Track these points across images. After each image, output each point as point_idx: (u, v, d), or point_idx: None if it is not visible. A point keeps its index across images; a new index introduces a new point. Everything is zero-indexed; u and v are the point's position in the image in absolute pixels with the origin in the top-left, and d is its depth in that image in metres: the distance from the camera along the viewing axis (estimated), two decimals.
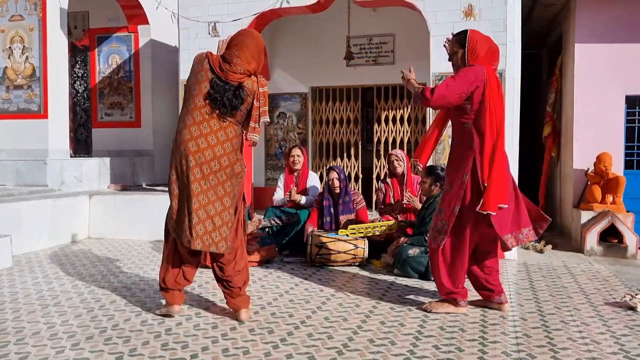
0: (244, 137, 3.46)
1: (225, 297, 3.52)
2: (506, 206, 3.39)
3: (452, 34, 3.75)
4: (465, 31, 3.54)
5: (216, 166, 3.29)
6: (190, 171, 3.27)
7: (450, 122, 3.71)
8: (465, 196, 3.43)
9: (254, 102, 3.38)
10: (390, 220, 5.18)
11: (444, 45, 3.69)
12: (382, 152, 8.04)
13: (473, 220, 3.45)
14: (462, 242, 3.49)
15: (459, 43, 3.51)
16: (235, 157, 3.38)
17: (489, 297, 3.70)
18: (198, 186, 3.28)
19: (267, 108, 3.44)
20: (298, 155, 5.73)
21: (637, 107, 6.53)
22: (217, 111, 3.29)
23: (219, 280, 3.50)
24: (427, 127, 7.29)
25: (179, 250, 3.45)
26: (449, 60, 3.63)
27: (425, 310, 3.61)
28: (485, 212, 3.32)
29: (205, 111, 3.29)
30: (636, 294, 3.79)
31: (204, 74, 3.31)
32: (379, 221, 5.18)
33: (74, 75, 8.68)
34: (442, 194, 3.66)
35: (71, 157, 7.36)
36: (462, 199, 3.43)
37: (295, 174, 5.78)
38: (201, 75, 3.32)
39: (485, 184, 3.36)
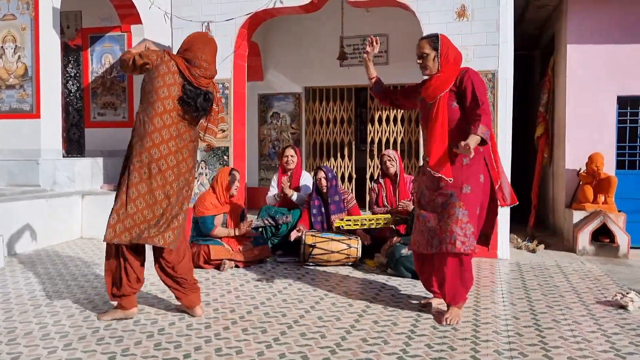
0: (203, 140, 3.60)
1: (178, 297, 3.54)
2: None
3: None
4: (436, 34, 3.53)
5: (176, 168, 3.36)
6: (157, 174, 3.32)
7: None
8: (485, 197, 3.47)
9: (214, 107, 3.51)
10: (386, 214, 5.19)
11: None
12: (375, 152, 8.05)
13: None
14: None
15: (431, 46, 3.48)
16: (193, 161, 3.49)
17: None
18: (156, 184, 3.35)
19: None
20: (292, 156, 5.73)
21: (628, 108, 6.57)
22: (187, 116, 3.36)
23: (172, 279, 3.50)
24: (420, 128, 7.33)
25: (123, 256, 3.46)
26: (418, 61, 3.54)
27: (447, 323, 3.39)
28: (511, 205, 3.58)
29: (174, 115, 3.33)
30: (627, 293, 3.81)
31: (172, 77, 3.31)
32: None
33: (67, 75, 8.66)
34: (452, 197, 3.35)
35: (64, 157, 7.32)
36: (481, 200, 3.44)
37: (289, 173, 5.78)
38: (169, 78, 3.31)
39: (499, 181, 3.50)
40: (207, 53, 3.42)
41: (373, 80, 3.88)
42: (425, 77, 3.58)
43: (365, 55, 3.80)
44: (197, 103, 3.34)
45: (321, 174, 5.38)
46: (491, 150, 3.50)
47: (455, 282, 3.43)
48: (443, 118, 3.41)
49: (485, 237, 3.64)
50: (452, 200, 3.34)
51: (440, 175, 3.37)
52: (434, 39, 3.50)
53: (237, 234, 5.08)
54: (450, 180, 3.34)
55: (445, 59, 3.46)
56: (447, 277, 3.41)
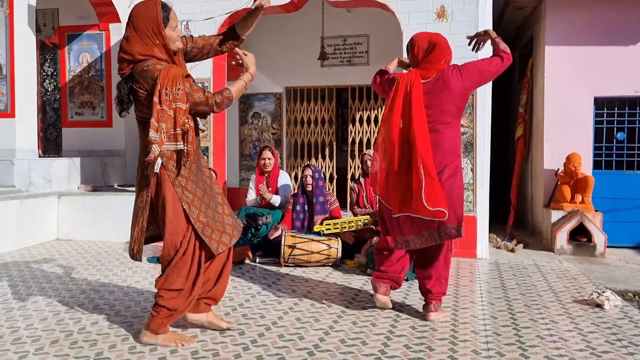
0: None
1: None
2: None
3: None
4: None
5: None
6: None
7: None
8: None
9: (139, 96, 2.98)
10: (365, 215, 5.18)
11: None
12: (356, 153, 8.05)
13: None
14: None
15: (407, 51, 3.62)
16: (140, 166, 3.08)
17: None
18: None
19: None
20: (269, 158, 5.69)
21: (605, 109, 6.66)
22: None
23: None
24: None
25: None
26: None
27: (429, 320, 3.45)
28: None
29: None
30: (603, 292, 3.85)
31: None
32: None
33: (44, 73, 8.50)
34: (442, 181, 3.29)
35: (40, 157, 7.19)
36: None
37: (266, 175, 5.75)
38: None
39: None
40: (129, 25, 2.87)
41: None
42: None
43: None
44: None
45: (308, 172, 5.38)
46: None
47: (447, 271, 3.59)
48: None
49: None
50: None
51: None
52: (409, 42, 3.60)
53: None
54: None
55: (415, 58, 3.56)
56: (444, 264, 3.54)
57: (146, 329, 3.01)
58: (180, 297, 2.96)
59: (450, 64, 3.49)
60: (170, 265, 2.94)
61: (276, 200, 5.57)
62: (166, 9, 2.91)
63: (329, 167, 8.25)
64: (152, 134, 2.74)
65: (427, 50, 3.46)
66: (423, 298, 3.57)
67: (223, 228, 3.03)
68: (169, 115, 2.78)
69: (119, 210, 6.32)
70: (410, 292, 4.13)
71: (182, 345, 2.96)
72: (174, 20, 2.92)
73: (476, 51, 3.73)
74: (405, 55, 5.58)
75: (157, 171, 2.88)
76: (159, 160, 2.86)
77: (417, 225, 3.32)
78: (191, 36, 3.20)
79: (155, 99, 2.75)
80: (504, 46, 3.53)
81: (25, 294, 4.00)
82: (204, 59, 3.30)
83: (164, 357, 2.82)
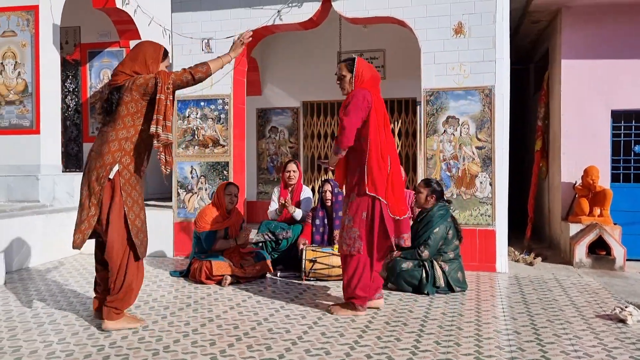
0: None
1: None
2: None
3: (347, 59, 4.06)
4: (353, 58, 3.97)
5: None
6: None
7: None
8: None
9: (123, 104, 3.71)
10: None
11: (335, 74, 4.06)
12: None
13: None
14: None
15: (348, 68, 3.94)
16: None
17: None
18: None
19: None
20: (294, 171, 5.78)
21: (622, 122, 6.67)
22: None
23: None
24: (418, 141, 7.41)
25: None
26: (337, 82, 4.00)
27: (329, 312, 3.98)
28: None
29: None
30: (626, 307, 3.86)
31: None
32: None
33: (65, 90, 8.70)
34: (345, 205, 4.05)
35: (62, 172, 7.34)
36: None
37: (290, 188, 5.83)
38: None
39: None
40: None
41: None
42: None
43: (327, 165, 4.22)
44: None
45: (327, 187, 5.45)
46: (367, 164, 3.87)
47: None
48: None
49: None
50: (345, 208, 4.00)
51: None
52: (350, 62, 3.94)
53: (238, 242, 5.12)
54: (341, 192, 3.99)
55: (359, 79, 3.90)
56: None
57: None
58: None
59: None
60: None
61: (298, 214, 5.64)
62: (165, 51, 3.74)
63: None
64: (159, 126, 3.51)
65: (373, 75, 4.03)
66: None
67: (146, 237, 3.67)
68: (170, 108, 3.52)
69: None
70: (432, 307, 4.17)
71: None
72: (167, 60, 3.75)
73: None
74: (424, 71, 5.66)
75: (112, 177, 3.50)
76: (116, 167, 3.50)
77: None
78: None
79: (162, 96, 3.46)
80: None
81: (54, 309, 4.10)
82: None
83: None
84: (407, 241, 3.98)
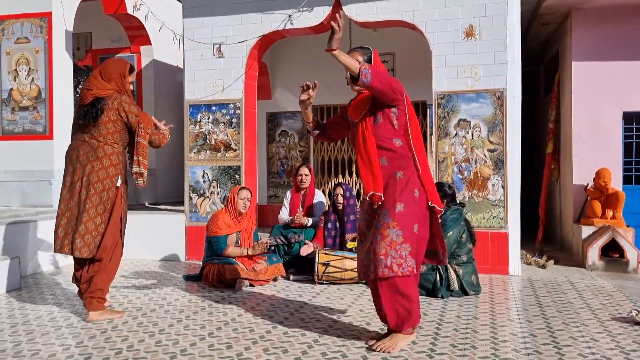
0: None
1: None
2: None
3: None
4: (369, 48, 3.41)
5: None
6: None
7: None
8: (422, 212, 3.32)
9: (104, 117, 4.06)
10: None
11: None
12: None
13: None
14: None
15: (363, 55, 3.34)
16: None
17: None
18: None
19: None
20: (306, 175, 5.80)
21: (634, 123, 6.65)
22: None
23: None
24: (429, 144, 7.41)
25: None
26: (346, 76, 3.29)
27: (377, 350, 3.23)
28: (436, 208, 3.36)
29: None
30: None
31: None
32: None
33: (76, 95, 8.75)
34: (385, 216, 3.19)
35: None
36: (419, 217, 3.28)
37: (302, 192, 5.84)
38: None
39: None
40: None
41: (311, 124, 3.69)
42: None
43: (301, 102, 3.56)
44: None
45: (339, 191, 5.46)
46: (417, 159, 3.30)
47: (394, 307, 3.20)
48: (369, 136, 3.28)
49: (434, 253, 3.43)
50: (386, 220, 3.15)
51: (371, 195, 3.19)
52: (366, 51, 3.37)
53: (250, 253, 5.12)
54: (382, 198, 3.17)
55: None
56: (384, 302, 3.21)
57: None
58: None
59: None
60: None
61: (310, 222, 5.66)
62: (131, 67, 4.05)
63: (355, 184, 8.33)
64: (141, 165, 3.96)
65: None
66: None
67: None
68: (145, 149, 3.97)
69: (152, 228, 6.48)
70: (446, 310, 4.16)
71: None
72: (133, 76, 4.05)
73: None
74: (435, 74, 5.65)
75: (118, 185, 3.93)
76: (119, 177, 3.93)
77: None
78: None
79: (143, 140, 3.91)
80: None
81: (70, 312, 4.13)
82: None
83: None
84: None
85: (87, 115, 3.83)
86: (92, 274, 3.92)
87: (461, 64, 5.59)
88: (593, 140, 6.63)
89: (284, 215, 5.84)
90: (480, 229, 5.49)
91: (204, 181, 6.40)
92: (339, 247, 5.42)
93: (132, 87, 4.10)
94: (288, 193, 5.96)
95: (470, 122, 5.63)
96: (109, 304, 4.26)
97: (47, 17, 6.68)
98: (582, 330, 3.64)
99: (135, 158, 3.89)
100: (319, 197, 5.86)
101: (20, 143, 6.76)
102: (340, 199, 5.46)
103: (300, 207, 5.78)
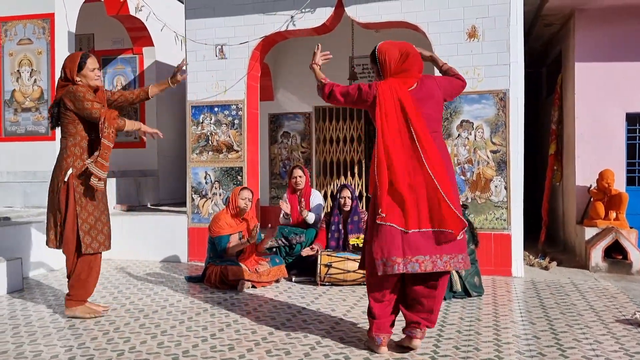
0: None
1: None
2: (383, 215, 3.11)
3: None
4: (375, 47, 3.35)
5: None
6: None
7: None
8: None
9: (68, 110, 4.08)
10: None
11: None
12: None
13: None
14: None
15: (372, 61, 3.36)
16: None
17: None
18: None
19: None
20: (300, 176, 5.78)
21: (637, 125, 6.63)
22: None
23: None
24: None
25: None
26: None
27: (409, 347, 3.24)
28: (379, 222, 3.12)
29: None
30: None
31: None
32: None
33: None
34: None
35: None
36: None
37: (298, 193, 5.83)
38: None
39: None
40: None
41: (324, 80, 3.60)
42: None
43: (314, 65, 3.70)
44: None
45: (346, 193, 5.44)
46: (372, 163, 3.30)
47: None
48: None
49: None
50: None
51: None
52: (372, 53, 3.36)
53: (250, 242, 5.06)
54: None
55: (386, 69, 3.29)
56: (439, 296, 3.18)
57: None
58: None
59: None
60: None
61: (311, 217, 5.65)
62: (83, 58, 3.96)
63: (357, 185, 8.32)
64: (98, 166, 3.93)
65: (400, 59, 3.25)
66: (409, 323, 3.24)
67: (103, 234, 4.04)
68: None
69: (154, 229, 6.48)
70: (449, 312, 4.15)
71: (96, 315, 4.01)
72: (91, 64, 3.96)
73: None
74: (436, 73, 5.65)
75: (67, 180, 3.89)
76: (70, 170, 3.89)
77: (442, 246, 3.04)
78: (114, 92, 4.33)
79: (107, 142, 3.92)
80: (457, 71, 3.59)
81: None
82: (124, 106, 4.45)
83: None
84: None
85: (52, 118, 4.01)
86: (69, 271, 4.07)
87: (464, 65, 5.57)
88: (596, 142, 6.60)
89: (285, 209, 5.76)
90: (483, 231, 5.47)
91: (206, 182, 6.39)
92: (342, 248, 5.40)
93: (97, 79, 3.99)
94: (284, 195, 5.95)
95: (472, 123, 5.61)
96: (111, 305, 4.25)
97: (49, 18, 6.69)
98: (585, 333, 3.62)
99: (96, 154, 3.89)
100: (318, 199, 5.85)
101: (23, 144, 6.76)
102: (348, 202, 5.45)
103: (299, 207, 5.76)
